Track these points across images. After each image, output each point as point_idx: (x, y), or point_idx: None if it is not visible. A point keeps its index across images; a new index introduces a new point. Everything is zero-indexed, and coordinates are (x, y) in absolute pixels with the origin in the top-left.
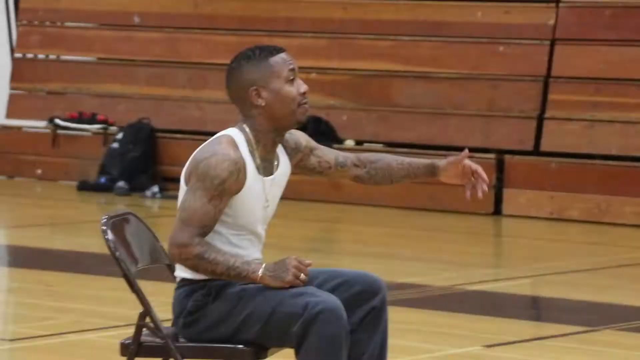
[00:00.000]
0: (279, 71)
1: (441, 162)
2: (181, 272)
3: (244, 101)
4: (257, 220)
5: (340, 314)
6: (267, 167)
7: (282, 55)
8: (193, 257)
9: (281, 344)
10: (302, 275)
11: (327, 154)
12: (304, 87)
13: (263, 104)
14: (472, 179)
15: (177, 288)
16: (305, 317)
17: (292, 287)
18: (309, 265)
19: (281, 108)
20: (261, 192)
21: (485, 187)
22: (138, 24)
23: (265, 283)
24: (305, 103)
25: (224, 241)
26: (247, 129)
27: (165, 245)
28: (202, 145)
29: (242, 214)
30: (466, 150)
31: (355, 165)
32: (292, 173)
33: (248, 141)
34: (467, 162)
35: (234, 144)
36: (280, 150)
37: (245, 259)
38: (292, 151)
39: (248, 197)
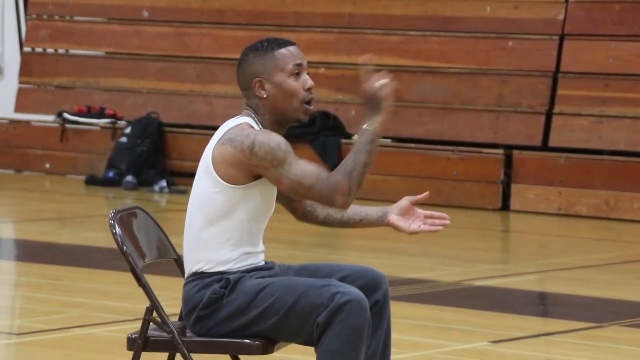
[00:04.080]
0: (283, 64)
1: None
2: (193, 265)
3: (249, 92)
4: (269, 211)
5: (366, 306)
6: None
7: (290, 48)
8: (353, 187)
9: (293, 337)
10: (386, 89)
11: None
12: (309, 83)
13: (265, 95)
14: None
15: (189, 282)
16: (332, 308)
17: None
18: (382, 76)
19: (282, 102)
20: None
21: (440, 226)
22: (147, 18)
23: (382, 124)
24: (310, 100)
25: (238, 234)
26: (255, 117)
27: (173, 239)
28: (227, 133)
29: (265, 200)
30: (426, 193)
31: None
32: None
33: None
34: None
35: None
36: None
37: (358, 140)
38: None
39: (270, 184)
